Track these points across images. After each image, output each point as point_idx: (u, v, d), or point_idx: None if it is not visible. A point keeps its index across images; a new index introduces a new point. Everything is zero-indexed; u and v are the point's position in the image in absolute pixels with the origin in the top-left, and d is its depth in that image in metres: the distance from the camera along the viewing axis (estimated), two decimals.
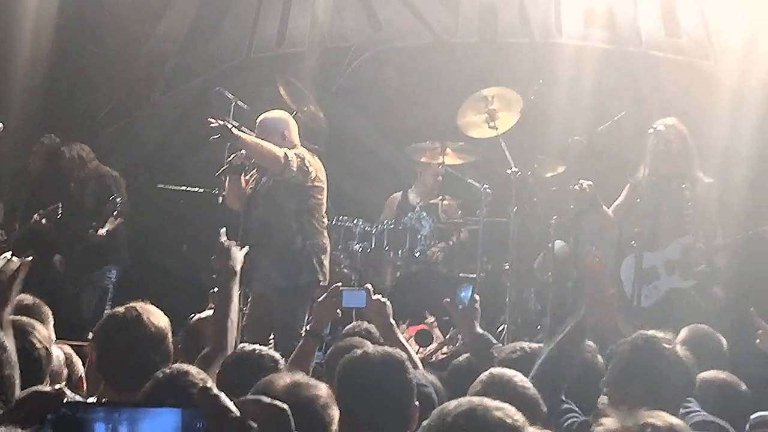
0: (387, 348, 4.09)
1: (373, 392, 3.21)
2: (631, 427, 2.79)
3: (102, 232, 9.62)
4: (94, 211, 9.69)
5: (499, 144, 9.10)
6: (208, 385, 3.27)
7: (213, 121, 7.55)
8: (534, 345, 4.95)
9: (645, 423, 2.80)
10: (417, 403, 3.88)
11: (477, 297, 5.45)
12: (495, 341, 5.21)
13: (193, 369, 3.50)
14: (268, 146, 7.74)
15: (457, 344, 8.75)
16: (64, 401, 2.62)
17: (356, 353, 4.04)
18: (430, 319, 9.19)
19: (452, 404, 2.74)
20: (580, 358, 4.65)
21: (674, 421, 2.93)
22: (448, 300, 5.51)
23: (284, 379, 3.20)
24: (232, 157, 8.05)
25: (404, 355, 4.06)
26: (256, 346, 4.46)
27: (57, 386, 2.80)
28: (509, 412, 2.71)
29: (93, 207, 9.69)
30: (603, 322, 4.71)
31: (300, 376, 3.24)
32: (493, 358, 4.77)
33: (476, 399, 2.76)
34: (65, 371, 4.69)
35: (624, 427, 2.79)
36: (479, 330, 5.34)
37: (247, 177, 8.16)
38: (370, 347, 4.15)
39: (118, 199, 9.63)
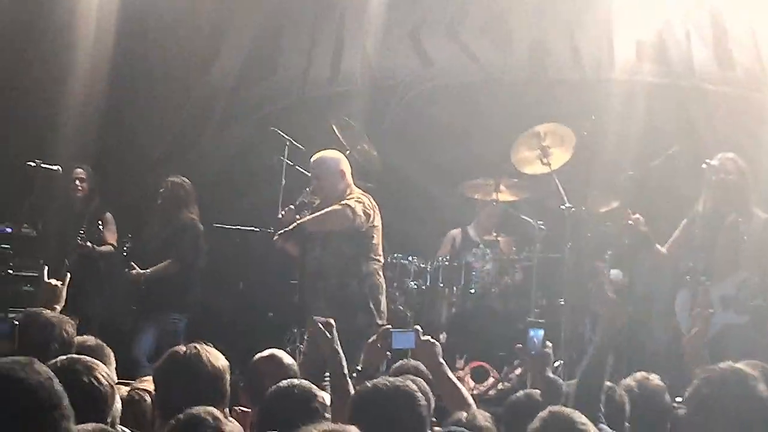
0: (398, 381, 4.22)
1: (383, 423, 3.30)
2: None
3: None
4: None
5: (553, 180, 9.09)
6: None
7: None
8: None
9: None
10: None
11: (549, 343, 5.43)
12: (564, 385, 5.19)
13: (209, 415, 3.53)
14: (330, 213, 7.87)
15: (512, 381, 8.73)
16: None
17: (367, 386, 4.19)
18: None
19: None
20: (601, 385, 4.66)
21: None
22: (521, 345, 5.50)
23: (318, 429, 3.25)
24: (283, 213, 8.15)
25: (414, 387, 4.18)
26: (294, 381, 4.53)
27: (121, 428, 2.83)
28: None
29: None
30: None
31: (330, 425, 3.28)
32: (565, 402, 4.75)
33: None
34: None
35: None
36: (551, 375, 5.33)
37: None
38: (380, 380, 4.26)
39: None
